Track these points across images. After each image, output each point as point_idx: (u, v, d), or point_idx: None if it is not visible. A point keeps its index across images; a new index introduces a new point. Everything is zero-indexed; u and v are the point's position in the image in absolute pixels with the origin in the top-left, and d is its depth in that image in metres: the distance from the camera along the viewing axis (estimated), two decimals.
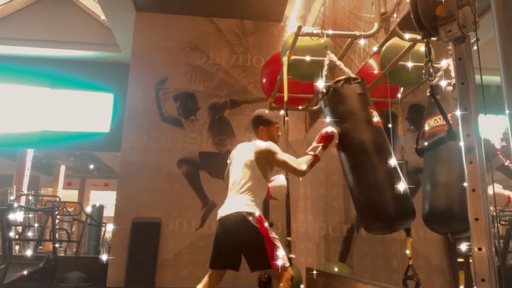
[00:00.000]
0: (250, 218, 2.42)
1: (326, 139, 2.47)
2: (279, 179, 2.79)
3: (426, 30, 1.60)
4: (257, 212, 2.48)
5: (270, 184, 2.74)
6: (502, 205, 2.38)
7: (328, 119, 2.56)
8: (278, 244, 2.46)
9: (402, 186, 2.26)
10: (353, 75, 2.55)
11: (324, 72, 2.71)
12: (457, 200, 2.07)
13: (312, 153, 2.46)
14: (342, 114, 2.48)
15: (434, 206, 2.24)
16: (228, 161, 2.81)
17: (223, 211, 2.55)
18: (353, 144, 2.42)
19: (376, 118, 2.46)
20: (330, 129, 2.50)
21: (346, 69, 2.68)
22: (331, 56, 2.79)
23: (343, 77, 2.54)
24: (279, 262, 2.39)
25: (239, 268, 2.53)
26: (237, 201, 2.53)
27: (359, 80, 2.53)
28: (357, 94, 2.48)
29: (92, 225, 7.66)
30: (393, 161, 2.32)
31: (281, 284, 2.41)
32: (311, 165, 2.45)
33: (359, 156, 2.39)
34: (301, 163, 2.45)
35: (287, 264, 2.46)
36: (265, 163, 2.57)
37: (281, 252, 2.43)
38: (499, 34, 1.40)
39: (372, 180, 2.31)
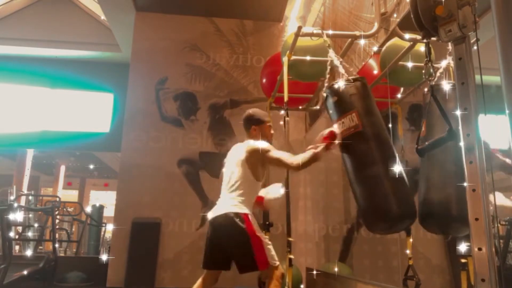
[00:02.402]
0: (237, 219, 2.42)
1: (329, 139, 2.41)
2: (275, 190, 2.76)
3: (426, 30, 1.60)
4: (245, 211, 2.47)
5: (265, 195, 2.72)
6: (505, 216, 2.37)
7: (337, 114, 2.53)
8: (267, 243, 2.46)
9: (405, 186, 2.27)
10: (351, 77, 2.53)
11: (327, 70, 2.72)
12: (454, 201, 2.09)
13: (313, 150, 2.41)
14: (368, 109, 2.44)
15: (430, 207, 2.25)
16: (224, 161, 2.82)
17: (213, 212, 2.57)
18: (365, 143, 2.39)
19: (353, 123, 2.43)
20: (332, 128, 2.45)
21: (342, 70, 2.65)
22: (332, 55, 2.78)
23: (346, 78, 2.51)
24: (269, 262, 2.40)
25: (230, 268, 2.54)
26: (226, 201, 2.55)
27: (357, 80, 2.50)
28: (349, 95, 2.46)
29: (92, 225, 7.66)
30: (395, 165, 2.30)
31: (272, 282, 2.42)
32: (308, 161, 2.38)
33: (369, 155, 2.37)
34: (296, 158, 2.41)
35: (276, 264, 2.45)
36: (256, 162, 2.55)
37: (269, 252, 2.43)
38: (499, 34, 1.40)
39: (379, 180, 2.29)
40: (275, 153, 2.51)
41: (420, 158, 2.24)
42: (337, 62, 2.71)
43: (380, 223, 2.35)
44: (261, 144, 2.56)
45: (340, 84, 2.49)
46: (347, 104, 2.45)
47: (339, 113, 2.48)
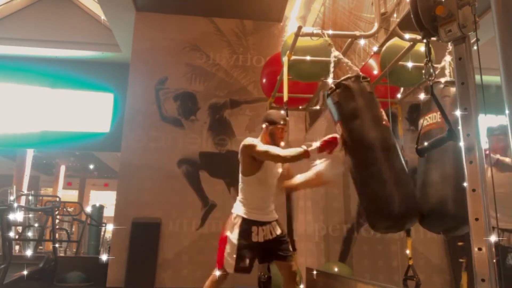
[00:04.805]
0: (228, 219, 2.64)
1: (328, 145, 2.44)
2: (321, 166, 2.65)
3: (426, 30, 1.60)
4: (235, 211, 2.64)
5: (314, 170, 2.64)
6: None
7: (335, 116, 2.50)
8: (228, 249, 2.54)
9: (408, 186, 2.27)
10: (362, 74, 2.50)
11: (331, 69, 2.71)
12: (451, 198, 2.10)
13: (304, 147, 2.45)
14: (353, 111, 2.40)
15: (428, 205, 2.24)
16: None
17: None
18: (364, 142, 2.36)
19: (385, 117, 2.44)
20: (335, 135, 2.46)
21: (355, 67, 2.68)
22: (336, 54, 2.76)
23: (353, 74, 2.46)
24: (223, 265, 2.53)
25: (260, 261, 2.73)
26: None
27: (368, 79, 2.48)
28: (368, 92, 2.43)
29: (92, 225, 7.66)
30: (400, 161, 2.31)
31: (207, 282, 2.59)
32: (296, 156, 2.45)
33: (368, 154, 2.33)
34: (285, 151, 2.50)
35: (228, 271, 2.55)
36: (245, 158, 2.63)
37: (227, 258, 2.52)
38: (499, 34, 1.40)
39: (380, 179, 2.27)
40: (262, 146, 2.58)
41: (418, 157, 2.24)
42: (346, 60, 2.73)
43: (383, 222, 2.33)
44: (248, 140, 2.65)
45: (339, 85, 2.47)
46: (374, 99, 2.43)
47: (338, 116, 2.46)
